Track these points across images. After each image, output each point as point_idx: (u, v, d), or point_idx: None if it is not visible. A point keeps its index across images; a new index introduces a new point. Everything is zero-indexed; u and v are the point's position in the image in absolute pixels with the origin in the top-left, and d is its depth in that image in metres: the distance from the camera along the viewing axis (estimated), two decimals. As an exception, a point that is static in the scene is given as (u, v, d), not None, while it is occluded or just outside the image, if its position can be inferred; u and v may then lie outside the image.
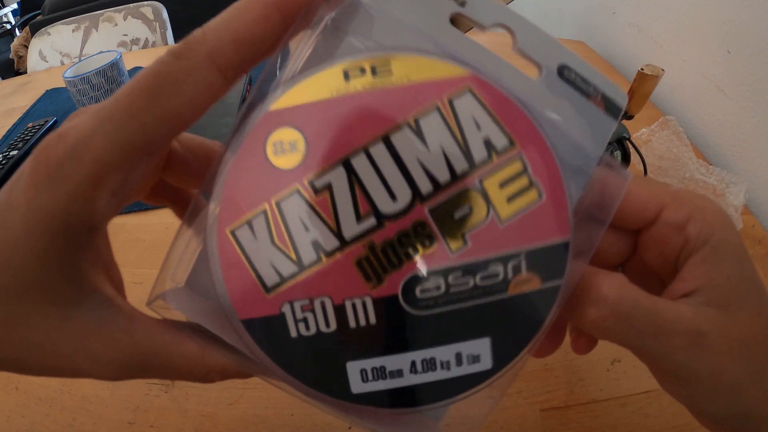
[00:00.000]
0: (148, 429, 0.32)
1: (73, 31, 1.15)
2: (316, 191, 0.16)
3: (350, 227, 0.16)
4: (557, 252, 0.16)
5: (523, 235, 0.16)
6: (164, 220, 0.51)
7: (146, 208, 0.53)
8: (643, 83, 0.40)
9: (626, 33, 0.71)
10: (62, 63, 1.14)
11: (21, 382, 0.35)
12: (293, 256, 0.16)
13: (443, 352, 0.17)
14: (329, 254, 0.16)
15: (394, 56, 0.16)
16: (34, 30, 1.23)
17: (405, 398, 0.17)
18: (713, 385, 0.17)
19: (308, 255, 0.16)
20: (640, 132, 0.52)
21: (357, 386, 0.17)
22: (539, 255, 0.16)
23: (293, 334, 0.16)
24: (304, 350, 0.16)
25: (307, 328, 0.16)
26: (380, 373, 0.17)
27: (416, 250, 0.16)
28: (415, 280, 0.16)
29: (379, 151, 0.16)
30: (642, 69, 0.40)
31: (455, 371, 0.17)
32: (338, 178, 0.16)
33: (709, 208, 0.17)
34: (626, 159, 0.45)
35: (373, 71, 0.16)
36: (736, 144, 0.53)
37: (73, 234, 0.14)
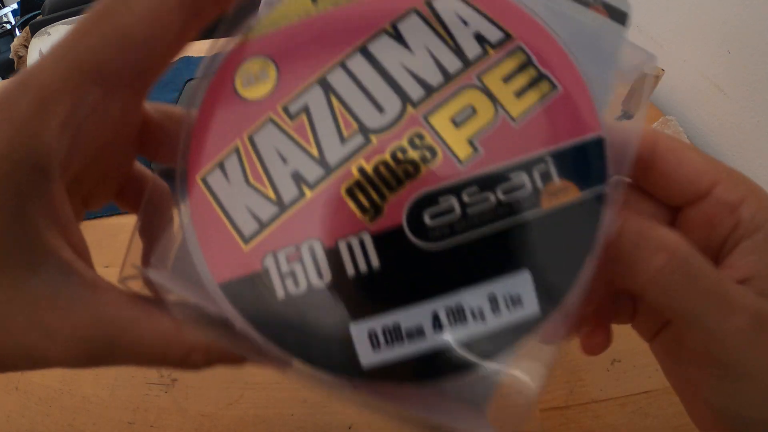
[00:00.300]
0: (148, 429, 0.32)
1: (73, 31, 1.15)
2: (291, 116, 0.14)
3: (334, 150, 0.13)
4: (591, 151, 0.13)
5: (545, 134, 0.13)
6: (164, 220, 0.51)
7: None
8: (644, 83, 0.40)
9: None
10: (62, 63, 1.14)
11: (21, 382, 0.35)
12: (272, 194, 0.14)
13: (472, 297, 0.13)
14: (313, 186, 0.13)
15: None
16: (34, 30, 1.23)
17: (434, 367, 0.13)
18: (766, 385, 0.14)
19: (289, 190, 0.13)
20: (640, 132, 0.52)
21: (367, 356, 0.13)
22: (570, 157, 0.13)
23: (280, 294, 0.13)
24: (296, 315, 0.13)
25: (296, 283, 0.13)
26: (395, 334, 0.13)
27: (417, 167, 0.13)
28: (422, 203, 0.13)
29: (358, 63, 0.14)
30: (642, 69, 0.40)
31: (493, 322, 0.13)
32: (315, 98, 0.14)
33: (764, 193, 0.16)
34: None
35: None
36: (736, 144, 0.53)
37: (19, 174, 0.12)
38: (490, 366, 0.13)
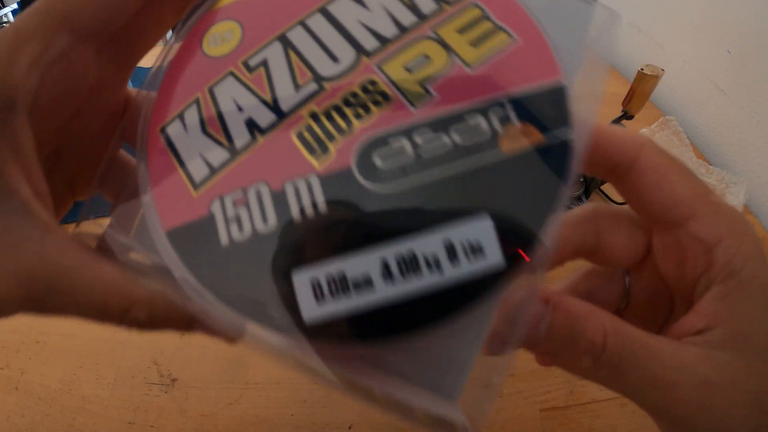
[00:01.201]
0: (148, 429, 0.32)
1: (73, 31, 1.15)
2: (250, 69, 0.14)
3: (288, 98, 0.14)
4: (553, 97, 0.13)
5: (502, 80, 0.13)
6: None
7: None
8: (643, 83, 0.40)
9: (626, 33, 0.71)
10: (62, 63, 1.14)
11: (21, 382, 0.35)
12: (224, 141, 0.14)
13: (426, 243, 0.12)
14: (265, 131, 0.13)
15: None
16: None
17: (384, 325, 0.12)
18: None
19: (242, 137, 0.13)
20: (640, 132, 0.52)
21: (310, 309, 0.12)
22: (530, 101, 0.13)
23: (224, 241, 0.13)
24: (239, 264, 0.12)
25: (240, 228, 0.13)
26: (340, 284, 0.12)
27: (368, 110, 0.13)
28: (372, 144, 0.13)
29: (317, 21, 0.14)
30: (642, 69, 0.40)
31: (451, 272, 0.12)
32: (274, 52, 0.14)
33: (747, 235, 0.15)
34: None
35: None
36: (736, 144, 0.53)
37: None
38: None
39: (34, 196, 0.13)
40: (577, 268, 0.19)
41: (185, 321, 0.13)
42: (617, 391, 0.14)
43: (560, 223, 0.13)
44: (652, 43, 0.66)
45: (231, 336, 0.13)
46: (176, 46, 0.15)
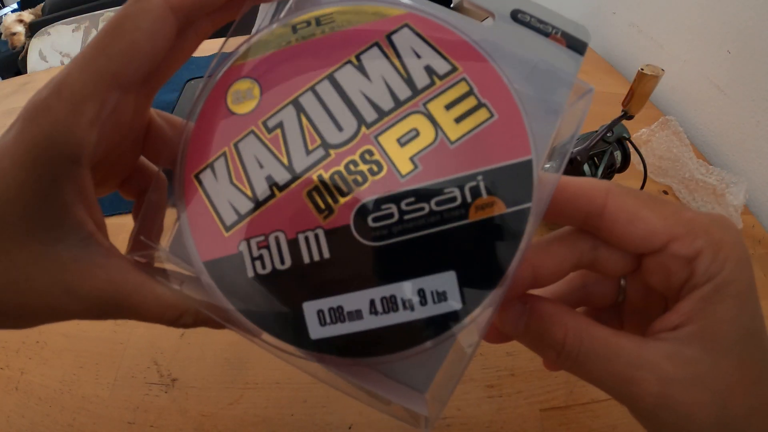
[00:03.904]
0: (148, 429, 0.32)
1: (73, 31, 1.15)
2: (269, 130, 0.16)
3: (300, 160, 0.16)
4: (520, 172, 0.15)
5: (478, 156, 0.15)
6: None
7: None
8: (643, 83, 0.40)
9: (626, 33, 0.71)
10: (62, 63, 1.14)
11: (21, 382, 0.35)
12: (249, 192, 0.16)
13: (404, 289, 0.15)
14: (282, 188, 0.16)
15: (336, 8, 0.17)
16: (34, 30, 1.23)
17: (367, 346, 0.16)
18: None
19: (263, 190, 0.16)
20: (640, 132, 0.52)
21: (315, 331, 0.16)
22: (499, 176, 0.15)
23: (250, 273, 0.16)
24: (261, 291, 0.16)
25: (263, 266, 0.16)
26: (338, 314, 0.16)
27: (365, 178, 0.16)
28: (366, 208, 0.16)
29: (325, 88, 0.16)
30: (642, 69, 0.40)
31: (420, 311, 0.15)
32: (288, 115, 0.16)
33: (725, 241, 0.16)
34: (626, 159, 0.45)
35: (318, 22, 0.17)
36: (736, 144, 0.53)
37: (56, 162, 0.15)
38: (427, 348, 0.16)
39: (96, 230, 0.16)
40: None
41: (219, 325, 0.17)
42: (586, 381, 0.17)
43: (558, 236, 0.17)
44: (652, 43, 0.66)
45: (251, 336, 0.16)
46: (203, 97, 0.17)
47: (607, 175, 0.45)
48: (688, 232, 0.16)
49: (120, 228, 0.51)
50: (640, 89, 0.41)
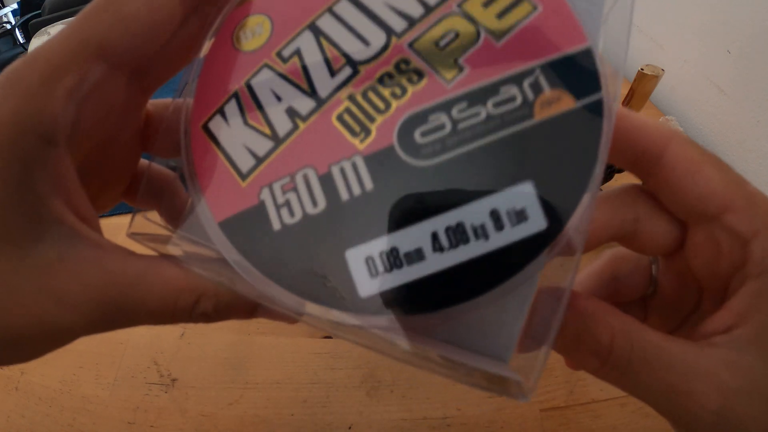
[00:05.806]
0: (148, 429, 0.32)
1: (73, 31, 1.15)
2: (284, 60, 0.15)
3: (325, 84, 0.14)
4: (581, 61, 0.13)
5: (530, 50, 0.13)
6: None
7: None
8: (643, 83, 0.40)
9: (626, 33, 0.71)
10: (62, 63, 1.14)
11: (21, 382, 0.35)
12: (267, 131, 0.14)
13: (472, 213, 0.12)
14: (306, 117, 0.14)
15: None
16: (35, 30, 1.22)
17: (439, 294, 0.12)
18: None
19: (283, 125, 0.14)
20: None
21: (365, 286, 0.13)
22: (559, 68, 0.13)
23: (276, 226, 0.13)
24: (292, 247, 0.13)
25: (291, 213, 0.13)
26: (393, 259, 0.12)
27: (404, 89, 0.14)
28: (411, 122, 0.13)
29: (344, 7, 0.15)
30: (642, 69, 0.40)
31: (496, 239, 0.12)
32: (306, 41, 0.15)
33: None
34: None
35: None
36: (736, 144, 0.53)
37: (25, 143, 0.12)
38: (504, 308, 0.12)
39: (79, 221, 0.14)
40: (602, 251, 0.19)
41: (248, 308, 0.14)
42: (631, 394, 0.14)
43: (598, 204, 0.13)
44: (653, 43, 0.66)
45: (292, 317, 0.13)
46: (208, 45, 0.15)
47: (607, 175, 0.45)
48: (749, 206, 0.14)
49: (120, 228, 0.51)
50: (640, 89, 0.41)
